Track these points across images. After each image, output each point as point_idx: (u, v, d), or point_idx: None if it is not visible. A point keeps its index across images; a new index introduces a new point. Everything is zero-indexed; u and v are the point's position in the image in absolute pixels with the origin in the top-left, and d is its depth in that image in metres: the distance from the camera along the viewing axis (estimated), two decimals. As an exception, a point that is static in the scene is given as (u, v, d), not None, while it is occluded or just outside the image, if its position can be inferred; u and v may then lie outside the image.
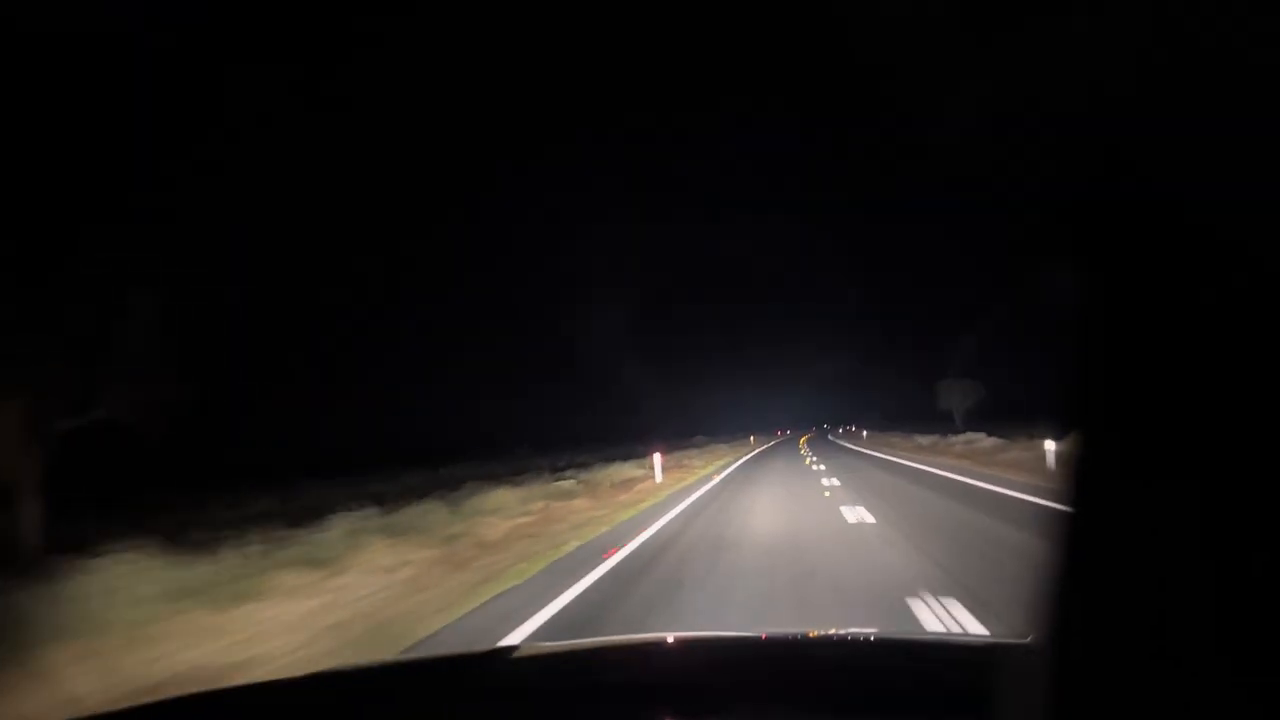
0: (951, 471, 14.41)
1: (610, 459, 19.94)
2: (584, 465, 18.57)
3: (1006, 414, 26.82)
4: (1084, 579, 0.50)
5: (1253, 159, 0.46)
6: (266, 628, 4.34)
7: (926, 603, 4.24)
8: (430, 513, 8.30)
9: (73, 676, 3.32)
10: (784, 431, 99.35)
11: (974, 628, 3.74)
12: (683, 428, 59.46)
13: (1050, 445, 11.56)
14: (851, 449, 31.76)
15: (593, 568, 5.65)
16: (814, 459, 22.80)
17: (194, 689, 1.29)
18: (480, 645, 3.32)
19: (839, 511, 8.65)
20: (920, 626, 3.78)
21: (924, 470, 15.60)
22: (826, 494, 11.05)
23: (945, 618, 3.96)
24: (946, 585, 4.64)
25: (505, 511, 9.25)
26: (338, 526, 6.72)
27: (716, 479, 16.11)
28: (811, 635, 2.01)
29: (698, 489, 13.35)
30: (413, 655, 3.60)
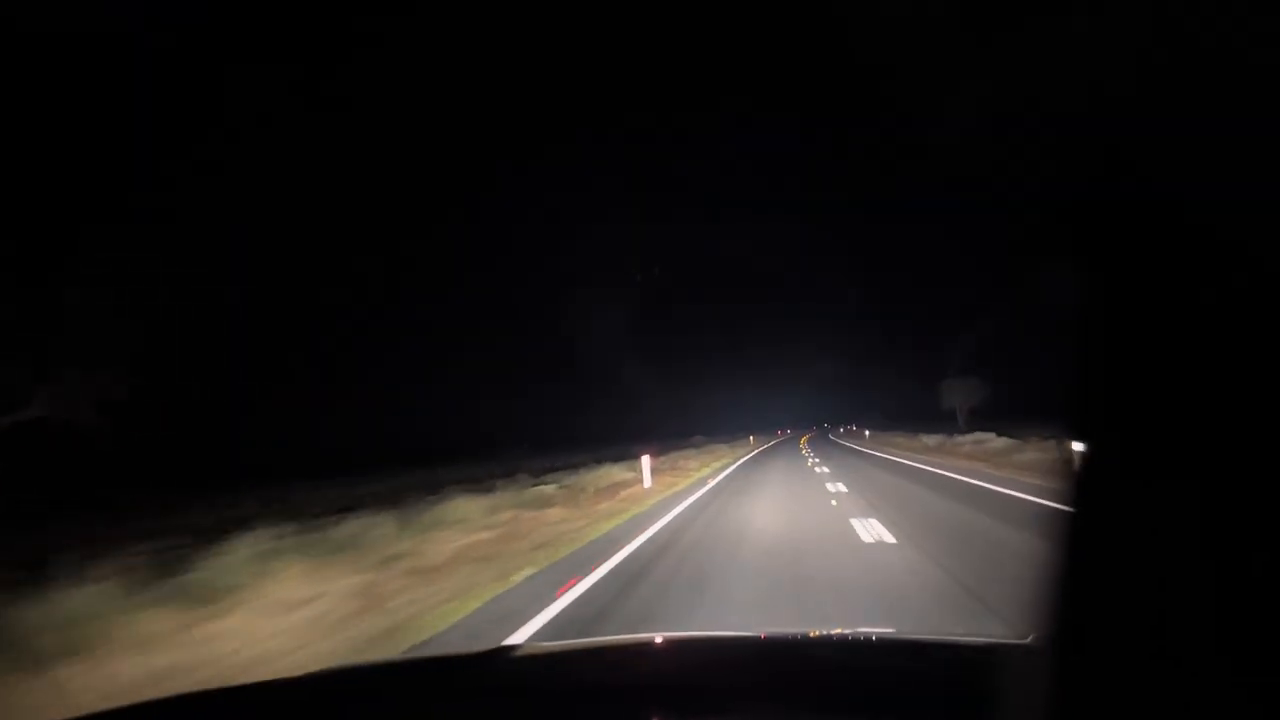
0: (967, 475, 13.08)
1: (605, 460, 18.80)
2: (578, 466, 17.70)
3: (1008, 414, 26.81)
4: (1084, 579, 0.50)
5: (1253, 159, 0.46)
6: (70, 703, 3.11)
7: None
8: (376, 526, 7.18)
9: None
10: (784, 431, 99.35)
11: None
12: (682, 427, 59.62)
13: (1077, 446, 10.73)
14: (855, 449, 30.89)
15: (538, 610, 4.51)
16: (816, 460, 21.07)
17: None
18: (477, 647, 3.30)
19: (850, 527, 7.27)
20: None
21: (936, 473, 14.23)
22: (833, 503, 9.73)
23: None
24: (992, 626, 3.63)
25: (467, 524, 8.11)
26: (246, 547, 5.55)
27: (711, 483, 14.78)
28: (811, 635, 2.00)
29: (689, 495, 12.06)
30: (413, 654, 3.60)
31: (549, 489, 11.93)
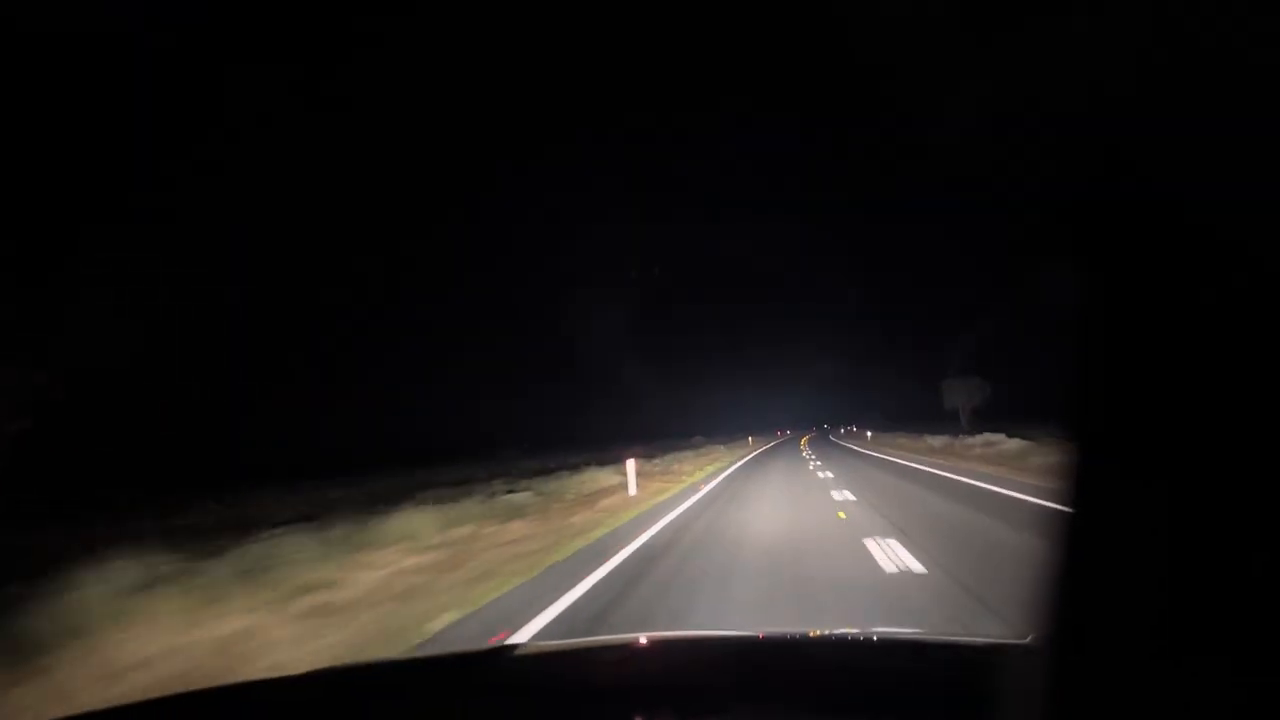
0: (985, 481, 11.76)
1: (600, 462, 17.87)
2: (573, 468, 17.00)
3: (1008, 414, 26.77)
4: (1084, 579, 0.50)
5: (1253, 159, 0.46)
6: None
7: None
8: (300, 549, 6.11)
9: None
10: (784, 432, 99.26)
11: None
12: (682, 427, 59.65)
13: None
14: (858, 451, 29.92)
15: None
16: (819, 464, 20.10)
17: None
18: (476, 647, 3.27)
19: (865, 550, 6.02)
20: None
21: (951, 479, 12.81)
22: (841, 515, 8.49)
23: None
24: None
25: (413, 541, 7.06)
26: (122, 575, 4.53)
27: (704, 489, 13.46)
28: (811, 635, 2.00)
29: (679, 504, 10.76)
30: (416, 653, 3.60)
31: (522, 497, 10.88)
